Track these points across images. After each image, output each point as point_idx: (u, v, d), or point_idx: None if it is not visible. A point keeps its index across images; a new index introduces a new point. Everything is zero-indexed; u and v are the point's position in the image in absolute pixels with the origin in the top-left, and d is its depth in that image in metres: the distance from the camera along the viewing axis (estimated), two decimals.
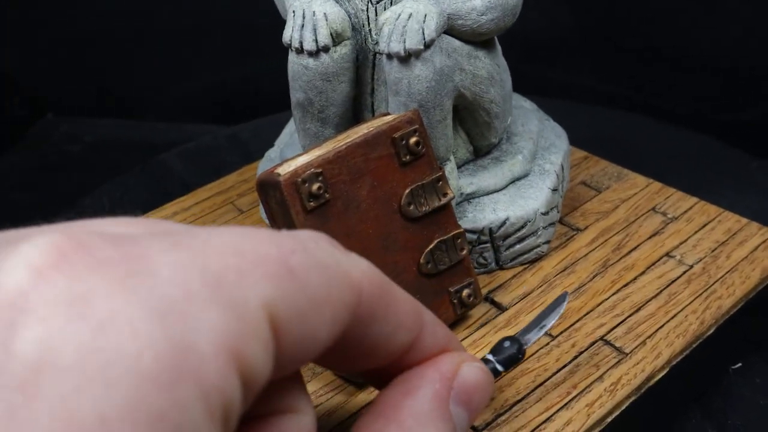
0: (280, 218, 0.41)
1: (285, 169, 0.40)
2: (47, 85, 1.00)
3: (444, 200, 0.44)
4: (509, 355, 0.40)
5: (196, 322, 0.16)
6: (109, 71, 0.99)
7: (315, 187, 0.40)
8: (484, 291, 0.48)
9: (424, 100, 0.44)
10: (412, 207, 0.43)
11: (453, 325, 0.46)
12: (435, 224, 0.44)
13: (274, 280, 0.18)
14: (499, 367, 0.40)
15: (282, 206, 0.41)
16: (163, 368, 0.15)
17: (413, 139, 0.42)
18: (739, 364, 0.50)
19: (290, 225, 0.41)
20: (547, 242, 0.50)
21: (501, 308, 0.47)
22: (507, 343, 0.40)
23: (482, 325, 0.46)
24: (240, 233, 0.19)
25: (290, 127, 0.58)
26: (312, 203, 0.40)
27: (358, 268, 0.21)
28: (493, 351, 0.41)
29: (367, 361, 0.22)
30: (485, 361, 0.41)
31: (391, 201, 0.42)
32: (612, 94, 0.86)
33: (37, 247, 0.16)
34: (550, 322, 0.43)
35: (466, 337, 0.45)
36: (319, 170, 0.40)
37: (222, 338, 0.16)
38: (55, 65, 0.99)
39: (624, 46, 0.86)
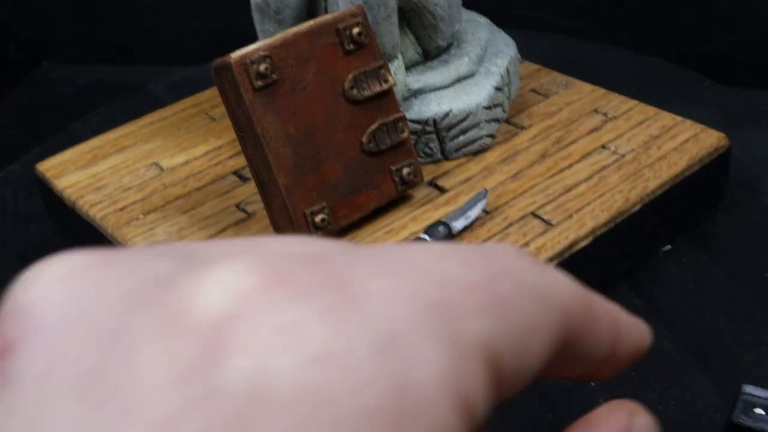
0: (232, 98, 0.45)
1: (236, 53, 0.45)
2: (42, 31, 1.04)
3: (385, 86, 0.48)
4: (442, 237, 0.46)
5: (415, 359, 0.14)
6: (101, 17, 1.02)
7: (262, 67, 0.44)
8: (428, 178, 0.52)
9: None
10: (354, 90, 0.47)
11: (397, 203, 0.50)
12: (377, 108, 0.48)
13: (487, 314, 0.16)
14: None
15: (233, 86, 0.45)
16: (386, 408, 0.14)
17: (356, 30, 0.46)
18: (669, 247, 0.54)
19: (240, 103, 0.45)
20: (491, 136, 0.54)
21: (443, 191, 0.51)
22: (441, 228, 0.47)
23: (424, 204, 0.50)
24: (435, 253, 0.16)
25: None
26: (260, 82, 0.44)
27: (563, 287, 0.18)
28: (428, 232, 0.47)
29: (560, 376, 0.19)
30: (420, 239, 0.46)
31: (335, 85, 0.47)
32: (580, 28, 0.89)
33: (234, 272, 0.14)
34: (475, 214, 0.48)
35: (408, 214, 0.49)
36: (267, 53, 0.44)
37: (444, 377, 0.15)
38: (49, 12, 1.03)
39: None
